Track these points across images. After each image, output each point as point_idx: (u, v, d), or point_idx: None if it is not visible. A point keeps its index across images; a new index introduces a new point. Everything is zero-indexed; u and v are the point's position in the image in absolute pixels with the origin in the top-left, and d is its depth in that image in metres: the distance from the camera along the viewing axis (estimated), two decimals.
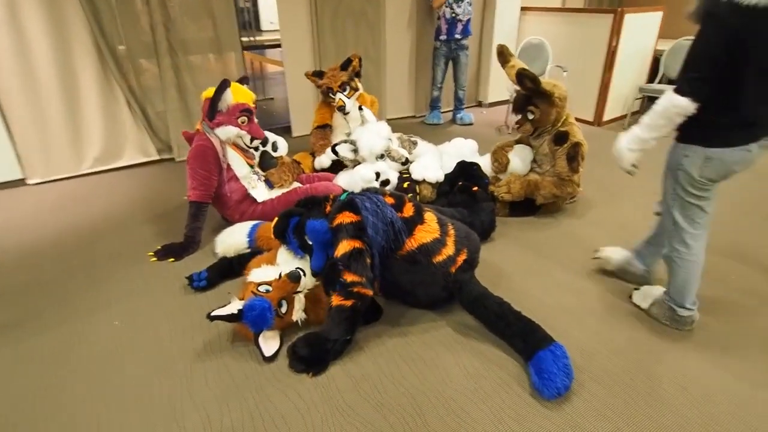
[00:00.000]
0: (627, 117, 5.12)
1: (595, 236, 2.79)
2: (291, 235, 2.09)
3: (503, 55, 2.99)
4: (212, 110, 2.59)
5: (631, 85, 5.05)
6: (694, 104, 1.62)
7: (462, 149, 3.40)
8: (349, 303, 1.81)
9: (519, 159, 3.04)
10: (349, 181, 2.99)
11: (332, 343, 1.83)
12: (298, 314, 1.96)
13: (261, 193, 2.80)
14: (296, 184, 3.01)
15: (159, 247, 2.64)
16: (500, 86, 5.70)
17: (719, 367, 1.83)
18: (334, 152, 3.13)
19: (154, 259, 2.59)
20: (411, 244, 1.95)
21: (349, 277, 1.80)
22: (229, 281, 2.39)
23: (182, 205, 3.14)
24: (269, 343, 1.90)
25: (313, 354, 1.82)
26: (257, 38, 7.51)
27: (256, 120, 2.77)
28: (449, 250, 2.00)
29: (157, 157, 4.12)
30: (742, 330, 2.04)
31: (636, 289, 2.23)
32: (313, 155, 3.46)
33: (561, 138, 2.86)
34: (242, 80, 2.87)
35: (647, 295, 2.15)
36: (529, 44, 4.97)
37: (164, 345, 1.98)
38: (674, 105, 1.65)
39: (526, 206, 3.02)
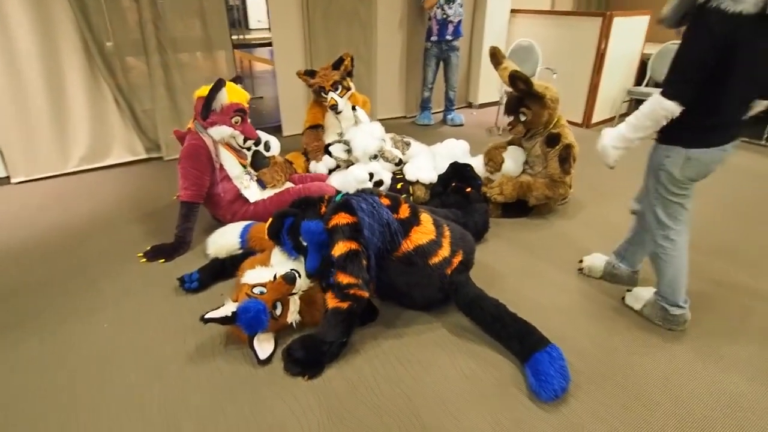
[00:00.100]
0: (615, 119, 5.18)
1: (587, 236, 2.82)
2: (285, 236, 2.06)
3: (496, 57, 3.00)
4: (206, 109, 2.55)
5: (619, 88, 5.12)
6: (681, 107, 1.67)
7: (454, 150, 3.41)
8: (345, 305, 1.80)
9: (511, 160, 3.06)
10: (343, 181, 2.98)
11: (328, 345, 1.82)
12: (292, 316, 1.94)
13: (253, 193, 2.77)
14: (288, 184, 2.99)
15: (149, 248, 2.60)
16: (490, 87, 5.73)
17: (712, 367, 1.86)
18: (328, 153, 3.11)
19: (144, 260, 2.55)
20: (407, 245, 1.94)
21: (345, 279, 1.78)
22: (221, 282, 2.36)
23: (171, 205, 3.10)
24: (264, 345, 1.87)
25: (308, 356, 1.80)
26: (246, 36, 7.44)
27: (249, 120, 2.74)
28: (445, 251, 2.00)
29: (145, 156, 4.06)
30: (734, 329, 2.07)
31: (628, 290, 2.25)
32: (306, 155, 3.44)
33: (553, 140, 2.88)
34: (236, 80, 2.84)
35: (639, 297, 2.17)
36: (519, 46, 5.00)
37: (156, 348, 1.95)
38: (662, 107, 1.69)
39: (518, 207, 3.04)
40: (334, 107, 3.35)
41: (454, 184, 2.97)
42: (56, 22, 3.39)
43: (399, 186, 3.08)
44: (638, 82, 5.25)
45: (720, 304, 2.24)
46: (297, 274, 1.96)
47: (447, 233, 2.06)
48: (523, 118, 2.90)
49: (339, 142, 3.11)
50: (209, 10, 3.94)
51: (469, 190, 2.88)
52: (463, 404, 1.68)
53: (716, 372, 1.84)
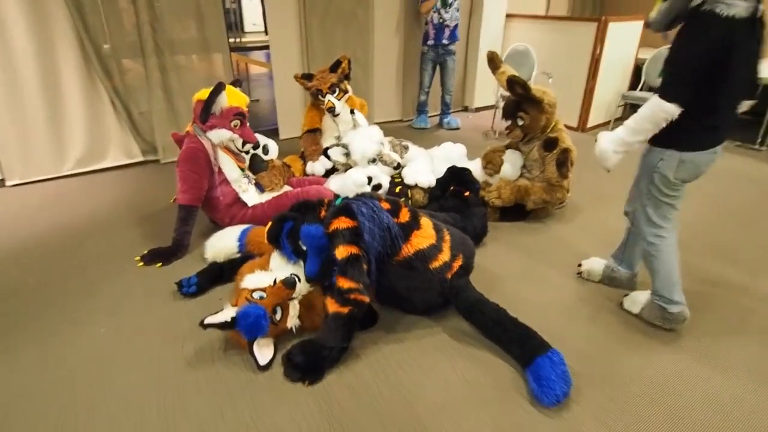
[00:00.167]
0: (610, 123, 5.22)
1: (585, 240, 2.83)
2: (285, 239, 2.06)
3: (494, 61, 3.02)
4: (206, 113, 2.54)
5: (614, 92, 5.15)
6: (681, 108, 1.70)
7: (451, 153, 3.41)
8: (345, 310, 1.79)
9: (509, 164, 3.06)
10: (341, 185, 2.97)
11: (328, 350, 1.81)
12: (292, 321, 1.93)
13: (251, 196, 2.76)
14: (287, 188, 2.98)
15: (146, 252, 2.58)
16: (486, 91, 5.75)
17: (711, 368, 1.86)
18: (327, 156, 3.10)
19: (141, 263, 2.53)
20: (407, 249, 1.94)
21: (346, 284, 1.77)
22: (219, 287, 2.34)
23: (168, 208, 3.08)
24: (263, 351, 1.86)
25: (309, 362, 1.79)
26: (242, 39, 7.43)
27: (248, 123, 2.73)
28: (445, 255, 2.00)
29: (141, 159, 4.03)
30: (733, 330, 2.09)
31: (625, 295, 2.26)
32: (304, 158, 3.43)
33: (550, 144, 2.89)
34: (236, 83, 2.83)
35: (636, 301, 2.18)
36: (515, 51, 5.03)
37: (154, 353, 1.93)
38: (662, 110, 1.72)
39: (516, 211, 3.05)
40: (332, 110, 3.35)
41: (452, 187, 2.97)
42: (52, 22, 3.36)
43: (397, 190, 3.08)
44: (633, 86, 5.29)
45: (719, 305, 2.26)
46: (297, 279, 1.95)
47: (447, 237, 2.06)
48: (520, 123, 2.91)
49: (337, 145, 3.11)
50: (206, 13, 3.93)
51: (467, 194, 2.88)
52: (464, 409, 1.68)
53: (716, 373, 1.85)
